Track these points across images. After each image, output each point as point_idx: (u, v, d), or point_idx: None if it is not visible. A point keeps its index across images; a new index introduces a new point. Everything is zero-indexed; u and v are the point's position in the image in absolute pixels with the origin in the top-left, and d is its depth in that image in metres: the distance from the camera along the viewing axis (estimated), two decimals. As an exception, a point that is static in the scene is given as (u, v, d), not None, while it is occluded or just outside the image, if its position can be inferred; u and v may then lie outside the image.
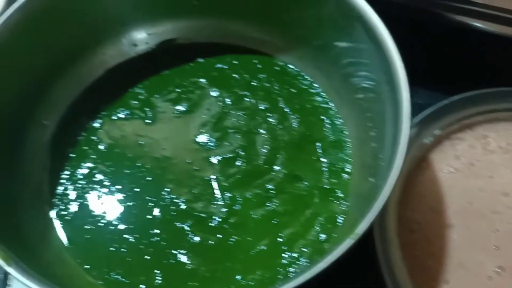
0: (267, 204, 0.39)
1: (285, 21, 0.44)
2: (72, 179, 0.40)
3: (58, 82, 0.43)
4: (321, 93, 0.44)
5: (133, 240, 0.38)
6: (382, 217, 0.36)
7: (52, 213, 0.39)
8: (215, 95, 0.45)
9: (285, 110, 0.44)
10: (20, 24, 0.37)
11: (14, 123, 0.39)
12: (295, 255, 0.37)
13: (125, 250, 0.37)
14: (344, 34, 0.39)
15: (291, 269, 0.36)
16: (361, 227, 0.27)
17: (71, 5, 0.40)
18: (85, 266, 0.37)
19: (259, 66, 0.46)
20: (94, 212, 0.39)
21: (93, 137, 0.42)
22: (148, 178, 0.40)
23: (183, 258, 0.37)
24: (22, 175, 0.38)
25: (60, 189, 0.40)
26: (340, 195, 0.39)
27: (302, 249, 0.37)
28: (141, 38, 0.46)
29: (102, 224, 0.39)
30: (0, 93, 0.37)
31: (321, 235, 0.38)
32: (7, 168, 0.37)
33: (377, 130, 0.37)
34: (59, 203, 0.39)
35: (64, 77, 0.43)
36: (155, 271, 0.37)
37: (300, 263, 0.37)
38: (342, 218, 0.38)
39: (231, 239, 0.38)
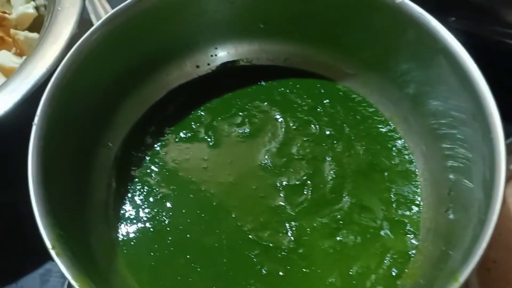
0: (335, 235, 0.38)
1: (353, 47, 0.43)
2: (136, 203, 0.40)
3: (123, 104, 0.43)
4: (387, 121, 0.43)
5: (200, 269, 0.37)
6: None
7: (117, 238, 0.39)
8: (279, 119, 0.44)
9: (351, 137, 0.43)
10: (94, 48, 0.37)
11: (82, 147, 0.39)
12: (367, 290, 0.36)
13: (192, 280, 0.37)
14: (420, 64, 0.38)
15: (363, 306, 0.35)
16: (464, 275, 0.26)
17: (144, 25, 0.40)
18: (152, 295, 0.36)
19: (322, 91, 0.46)
20: (158, 237, 0.39)
21: (156, 160, 0.42)
22: (213, 204, 0.40)
23: (252, 289, 0.36)
24: (90, 198, 0.38)
25: (124, 213, 0.40)
26: (411, 228, 0.38)
27: (374, 284, 0.36)
28: (204, 59, 0.46)
29: (168, 252, 0.38)
30: (73, 117, 0.36)
31: (393, 270, 0.37)
32: (76, 191, 0.37)
33: (457, 162, 0.35)
34: (124, 228, 0.39)
35: (128, 99, 0.43)
36: (224, 303, 0.36)
37: (373, 299, 0.36)
38: (414, 253, 0.37)
39: (300, 270, 0.37)
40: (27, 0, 0.49)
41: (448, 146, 0.38)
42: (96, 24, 0.37)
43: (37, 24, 0.48)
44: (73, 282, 0.26)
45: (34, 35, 0.46)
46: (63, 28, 0.41)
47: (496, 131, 0.30)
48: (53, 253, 0.27)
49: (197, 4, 0.42)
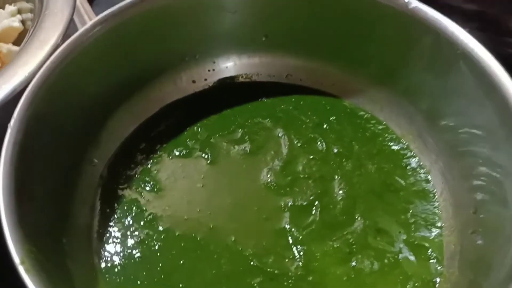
0: (349, 261, 0.34)
1: (360, 60, 0.40)
2: (123, 226, 0.36)
3: (111, 118, 0.39)
4: (399, 138, 0.40)
5: (197, 303, 0.32)
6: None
7: (100, 264, 0.34)
8: (282, 136, 0.40)
9: (361, 155, 0.39)
10: (82, 51, 0.34)
11: (64, 161, 0.34)
12: (388, 324, 0.31)
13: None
14: (436, 75, 0.35)
15: None
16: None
17: (137, 33, 0.36)
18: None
19: (328, 107, 0.42)
20: (147, 264, 0.34)
21: (147, 178, 0.38)
22: (210, 226, 0.35)
23: (256, 322, 0.31)
24: (71, 219, 0.34)
25: (109, 236, 0.35)
26: (433, 253, 0.34)
27: (396, 316, 0.31)
28: (201, 74, 0.43)
29: (157, 280, 0.33)
30: (54, 125, 0.32)
31: (416, 300, 0.32)
32: (55, 209, 0.33)
33: (484, 179, 0.32)
34: (108, 253, 0.34)
35: (118, 113, 0.40)
36: (223, 337, 0.31)
37: (395, 333, 0.31)
38: (439, 281, 0.33)
39: (310, 301, 0.32)
40: (12, 13, 0.46)
41: (470, 163, 0.35)
42: (87, 25, 0.33)
43: (23, 38, 0.45)
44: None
45: (17, 48, 0.43)
46: (49, 35, 0.37)
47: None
48: (21, 269, 0.22)
49: (195, 14, 0.39)
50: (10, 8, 0.46)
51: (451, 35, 0.33)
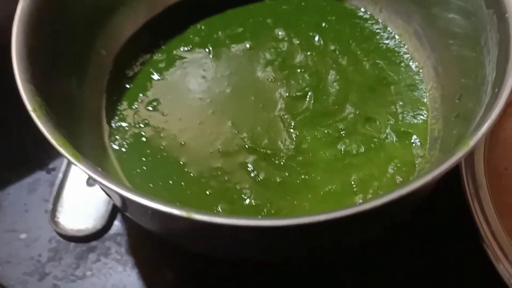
0: (337, 144, 0.36)
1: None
2: (129, 110, 0.38)
3: (118, 13, 0.41)
4: (396, 36, 0.41)
5: (193, 174, 0.35)
6: (471, 158, 0.32)
7: (109, 143, 0.37)
8: (282, 34, 0.42)
9: (357, 52, 0.41)
10: None
11: (77, 50, 0.37)
12: (369, 196, 0.34)
13: (185, 184, 0.35)
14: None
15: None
16: (474, 140, 0.23)
17: None
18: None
19: (328, 8, 0.44)
20: (151, 143, 0.37)
21: (152, 70, 0.40)
22: (210, 112, 0.38)
23: (247, 194, 0.34)
24: (82, 101, 0.36)
25: (117, 119, 0.38)
26: (417, 138, 0.36)
27: (376, 191, 0.34)
28: (205, -26, 0.44)
29: (160, 157, 0.36)
30: (63, 11, 0.34)
31: (397, 177, 0.34)
32: (69, 89, 0.35)
33: (470, 66, 0.33)
34: (116, 133, 0.37)
35: (124, 9, 0.41)
36: (217, 206, 0.34)
37: (374, 205, 0.33)
38: (420, 161, 0.35)
39: (298, 177, 0.35)
40: None
41: (459, 54, 0.36)
42: None
43: None
44: (52, 141, 0.24)
45: None
46: None
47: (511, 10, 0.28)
48: (33, 115, 0.25)
49: None
50: None
51: None
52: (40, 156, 0.40)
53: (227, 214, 0.33)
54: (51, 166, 0.40)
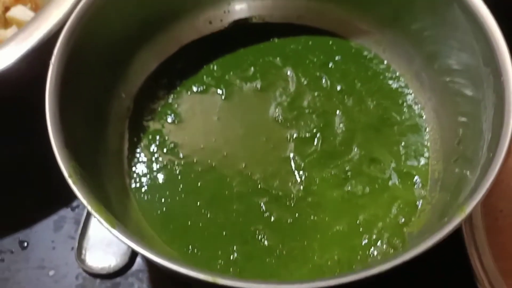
0: (344, 185, 0.39)
1: (367, 2, 0.43)
2: (149, 152, 0.41)
3: (136, 56, 0.43)
4: (399, 77, 0.44)
5: (210, 215, 0.38)
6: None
7: (130, 185, 0.39)
8: (290, 75, 0.44)
9: (362, 92, 0.43)
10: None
11: (96, 94, 0.39)
12: (374, 237, 0.36)
13: (202, 225, 0.37)
14: (436, 19, 0.38)
15: (370, 251, 0.36)
16: (470, 206, 0.26)
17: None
18: (164, 239, 0.37)
19: (334, 47, 0.46)
20: (170, 185, 0.39)
21: (168, 111, 0.43)
22: (224, 154, 0.40)
23: (261, 235, 0.37)
24: (104, 145, 0.39)
25: (137, 161, 0.40)
26: (419, 179, 0.38)
27: (381, 231, 0.36)
28: (217, 15, 0.46)
29: (179, 198, 0.39)
30: (87, 62, 0.37)
31: (400, 218, 0.37)
32: (90, 137, 0.37)
33: (468, 114, 0.35)
34: (137, 175, 0.40)
35: (142, 52, 0.44)
36: (233, 246, 0.36)
37: (379, 245, 0.36)
38: (422, 202, 0.37)
39: (308, 218, 0.37)
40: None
41: (459, 100, 0.38)
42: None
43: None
44: (89, 207, 0.27)
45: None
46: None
47: (507, 73, 0.30)
48: (70, 181, 0.28)
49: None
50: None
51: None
52: (64, 194, 0.42)
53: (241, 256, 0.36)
54: (74, 204, 0.42)
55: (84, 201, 0.27)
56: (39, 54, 0.37)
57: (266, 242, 0.37)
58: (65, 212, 0.42)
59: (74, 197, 0.38)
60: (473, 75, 0.36)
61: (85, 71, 0.37)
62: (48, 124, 0.29)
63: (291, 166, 0.40)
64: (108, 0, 0.38)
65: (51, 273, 0.39)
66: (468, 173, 0.33)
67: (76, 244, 0.40)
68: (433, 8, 0.38)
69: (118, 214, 0.35)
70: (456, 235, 0.34)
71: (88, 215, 0.41)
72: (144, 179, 0.40)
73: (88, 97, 0.38)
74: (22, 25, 0.45)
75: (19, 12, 0.46)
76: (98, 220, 0.27)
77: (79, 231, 0.40)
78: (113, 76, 0.41)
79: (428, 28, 0.40)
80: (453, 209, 0.30)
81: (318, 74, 0.44)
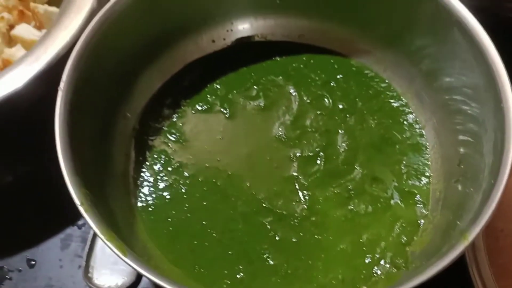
0: (347, 204, 0.39)
1: (369, 22, 0.44)
2: (154, 172, 0.41)
3: (141, 76, 0.44)
4: (399, 96, 0.44)
5: (216, 235, 0.38)
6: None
7: (136, 204, 0.40)
8: (293, 93, 0.45)
9: (364, 111, 0.44)
10: (116, 17, 0.38)
11: (103, 116, 0.40)
12: (377, 256, 0.37)
13: (209, 244, 0.38)
14: (436, 40, 0.39)
15: (373, 270, 0.36)
16: (473, 234, 0.27)
17: (166, 1, 0.40)
18: (170, 259, 0.37)
19: (336, 66, 0.47)
20: (176, 204, 0.40)
21: (173, 130, 0.43)
22: (228, 173, 0.41)
23: (266, 254, 0.37)
24: (110, 166, 0.39)
25: (142, 181, 0.41)
26: (421, 198, 0.39)
27: (384, 250, 0.37)
28: (220, 34, 0.47)
29: (184, 218, 0.39)
30: (95, 85, 0.37)
31: (402, 237, 0.38)
32: (97, 158, 0.38)
33: (469, 135, 0.36)
34: (142, 195, 0.40)
35: (147, 71, 0.44)
36: (239, 266, 0.37)
37: (382, 264, 0.37)
38: (423, 222, 0.38)
39: (312, 237, 0.38)
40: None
41: (459, 120, 0.39)
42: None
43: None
44: (101, 236, 0.28)
45: (54, 8, 0.47)
46: (83, 1, 0.41)
47: (507, 100, 0.31)
48: (81, 209, 0.28)
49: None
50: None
51: (448, 4, 0.37)
52: (70, 212, 0.43)
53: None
54: (80, 222, 0.43)
55: (97, 230, 0.28)
56: (47, 77, 0.37)
57: (271, 261, 0.37)
58: (72, 230, 0.43)
59: (80, 216, 0.39)
60: (473, 96, 0.37)
61: (92, 93, 0.38)
62: (59, 153, 0.30)
63: (295, 185, 0.40)
64: (115, 22, 0.38)
65: (59, 291, 0.40)
66: (469, 193, 0.34)
67: (84, 263, 0.40)
68: (433, 30, 0.39)
69: (126, 235, 0.36)
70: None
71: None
72: (150, 199, 0.40)
73: (95, 119, 0.38)
74: (26, 44, 0.46)
75: (24, 30, 0.47)
76: (110, 248, 0.27)
77: (86, 250, 0.41)
78: (119, 97, 0.42)
79: (429, 49, 0.41)
80: (456, 232, 0.31)
81: (320, 92, 0.45)
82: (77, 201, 0.29)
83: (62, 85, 0.33)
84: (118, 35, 0.39)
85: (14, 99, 0.36)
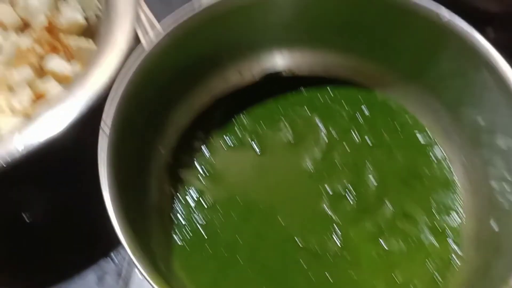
0: (379, 241, 0.40)
1: (393, 58, 0.45)
2: (188, 208, 0.42)
3: (173, 111, 0.44)
4: (426, 130, 0.45)
5: (251, 272, 0.39)
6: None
7: (172, 241, 0.40)
8: (321, 127, 0.46)
9: (390, 145, 0.45)
10: (154, 57, 0.39)
11: (138, 153, 0.40)
12: (412, 294, 0.38)
13: (244, 282, 0.39)
14: (463, 76, 0.40)
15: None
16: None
17: (196, 40, 0.41)
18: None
19: (361, 99, 0.47)
20: (211, 241, 0.40)
21: (204, 165, 0.44)
22: (260, 208, 0.42)
23: (303, 293, 0.38)
24: (148, 203, 0.40)
25: (177, 217, 0.41)
26: (453, 236, 0.40)
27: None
28: (247, 69, 0.48)
29: (221, 255, 0.40)
30: (133, 125, 0.38)
31: (436, 276, 0.38)
32: (135, 197, 0.39)
33: (498, 170, 0.37)
34: (178, 231, 0.41)
35: (179, 106, 0.45)
36: (275, 304, 0.38)
37: (417, 303, 0.37)
38: (457, 261, 0.39)
39: (347, 276, 0.39)
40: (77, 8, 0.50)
41: (487, 156, 0.40)
42: (158, 32, 0.38)
43: (87, 34, 0.50)
44: (154, 286, 0.28)
45: (84, 41, 0.48)
46: (118, 38, 0.42)
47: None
48: (134, 259, 0.29)
49: (246, 15, 0.43)
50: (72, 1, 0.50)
51: (477, 45, 0.38)
52: (104, 246, 0.43)
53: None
54: (114, 255, 0.44)
55: (151, 281, 0.28)
56: (87, 118, 0.38)
57: (308, 300, 0.38)
58: (106, 263, 0.43)
59: (113, 248, 0.40)
60: (502, 131, 0.37)
61: (129, 132, 0.38)
62: (107, 201, 0.31)
63: (327, 222, 0.41)
64: (154, 61, 0.39)
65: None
66: (505, 234, 0.34)
67: (119, 299, 0.41)
68: (460, 70, 0.40)
69: (164, 272, 0.36)
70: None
71: (129, 265, 0.42)
72: (185, 236, 0.41)
73: (133, 159, 0.39)
74: (57, 76, 0.46)
75: (55, 63, 0.47)
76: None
77: (120, 282, 0.41)
78: (153, 133, 0.42)
79: (454, 85, 0.42)
80: (496, 276, 0.31)
81: (346, 126, 0.46)
82: (131, 254, 0.29)
83: (106, 129, 0.34)
84: (155, 73, 0.40)
85: (54, 144, 0.36)
